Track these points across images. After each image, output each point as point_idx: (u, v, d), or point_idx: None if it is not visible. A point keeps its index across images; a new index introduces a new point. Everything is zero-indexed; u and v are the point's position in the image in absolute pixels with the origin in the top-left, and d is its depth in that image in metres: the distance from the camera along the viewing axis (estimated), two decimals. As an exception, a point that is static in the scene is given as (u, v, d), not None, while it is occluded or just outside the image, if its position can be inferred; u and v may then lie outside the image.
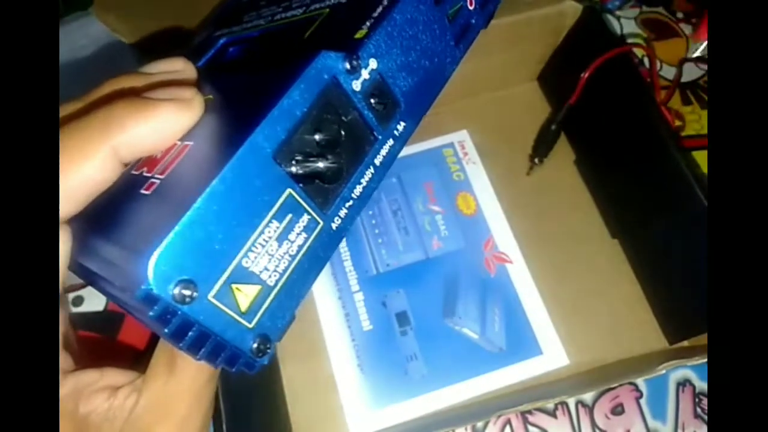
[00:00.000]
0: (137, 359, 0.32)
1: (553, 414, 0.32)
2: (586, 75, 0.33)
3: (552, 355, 0.31)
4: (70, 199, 0.16)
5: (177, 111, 0.17)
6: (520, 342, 0.31)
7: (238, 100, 0.18)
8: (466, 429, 0.32)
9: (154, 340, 0.33)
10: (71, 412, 0.19)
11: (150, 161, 0.17)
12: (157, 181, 0.16)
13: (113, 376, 0.21)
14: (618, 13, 0.45)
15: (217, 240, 0.14)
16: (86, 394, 0.20)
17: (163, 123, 0.16)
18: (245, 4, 0.29)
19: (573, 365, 0.31)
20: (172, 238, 0.13)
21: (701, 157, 0.31)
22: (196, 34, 0.34)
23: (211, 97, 0.18)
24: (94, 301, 0.35)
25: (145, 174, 0.17)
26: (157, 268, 0.13)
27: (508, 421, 0.32)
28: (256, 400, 0.31)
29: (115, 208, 0.16)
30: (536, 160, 0.36)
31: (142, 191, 0.16)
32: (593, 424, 0.32)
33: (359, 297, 0.33)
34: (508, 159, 0.37)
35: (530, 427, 0.32)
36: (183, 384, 0.21)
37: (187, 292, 0.14)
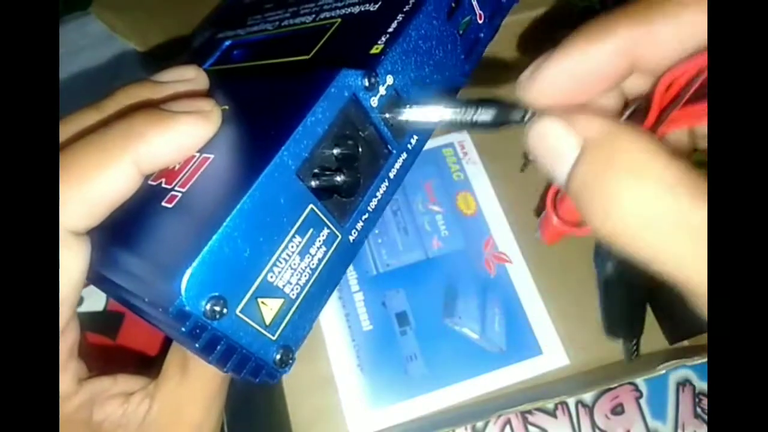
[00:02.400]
0: (138, 359, 0.32)
1: (553, 414, 0.32)
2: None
3: (552, 355, 0.31)
4: (91, 211, 0.16)
5: (197, 123, 0.17)
6: (520, 342, 0.31)
7: (256, 113, 0.18)
8: (466, 429, 0.32)
9: (152, 343, 0.33)
10: (86, 420, 0.19)
11: (168, 172, 0.18)
12: (179, 194, 0.16)
13: (126, 382, 0.21)
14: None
15: (244, 256, 0.15)
16: (100, 401, 0.20)
17: (183, 135, 0.17)
18: (248, 6, 0.29)
19: (573, 365, 0.31)
20: (203, 256, 0.14)
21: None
22: (196, 33, 0.34)
23: (226, 107, 0.18)
24: (93, 301, 0.35)
25: (164, 185, 0.17)
26: (190, 285, 0.14)
27: (508, 421, 0.32)
28: (256, 400, 0.31)
29: (136, 220, 0.16)
30: (531, 157, 0.36)
31: (164, 204, 0.16)
32: (593, 424, 0.32)
33: (359, 297, 0.33)
34: (508, 159, 0.37)
35: (530, 427, 0.32)
36: (196, 389, 0.21)
37: (217, 308, 0.14)
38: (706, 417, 0.31)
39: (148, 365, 0.23)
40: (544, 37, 0.38)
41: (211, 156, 0.17)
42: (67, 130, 0.17)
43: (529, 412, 0.32)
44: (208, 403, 0.21)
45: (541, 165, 0.15)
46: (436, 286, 0.33)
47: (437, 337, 0.31)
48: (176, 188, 0.17)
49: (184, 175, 0.17)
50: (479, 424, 0.32)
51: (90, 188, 0.16)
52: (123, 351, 0.33)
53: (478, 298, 0.32)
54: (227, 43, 0.27)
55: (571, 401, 0.32)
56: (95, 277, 0.17)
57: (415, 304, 0.32)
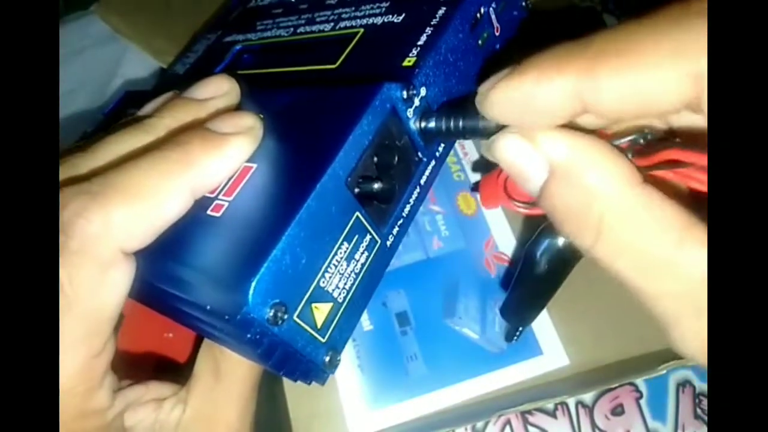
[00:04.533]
0: (143, 360, 0.32)
1: (553, 414, 0.32)
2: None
3: (552, 355, 0.31)
4: (146, 234, 0.16)
5: (247, 143, 0.17)
6: (520, 342, 0.31)
7: (296, 123, 0.19)
8: (466, 429, 0.32)
9: (154, 343, 0.33)
10: (118, 429, 0.19)
11: None
12: (225, 203, 0.17)
13: (157, 389, 0.21)
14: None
15: (301, 263, 0.15)
16: (132, 408, 0.20)
17: (236, 157, 0.17)
18: (255, 10, 0.29)
19: (573, 365, 0.31)
20: (267, 265, 0.14)
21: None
22: (198, 35, 0.34)
23: (261, 116, 0.19)
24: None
25: (206, 194, 0.18)
26: (255, 294, 0.14)
27: (508, 421, 0.32)
28: (256, 400, 0.31)
29: (185, 229, 0.17)
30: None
31: (210, 212, 0.17)
32: (593, 425, 0.32)
33: (359, 297, 0.33)
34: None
35: (530, 427, 0.32)
36: (231, 392, 0.21)
37: (279, 315, 0.15)
38: (706, 417, 0.31)
39: (152, 365, 0.23)
40: (546, 37, 0.38)
41: (254, 165, 0.17)
42: (114, 150, 0.18)
43: (529, 412, 0.32)
44: (243, 405, 0.21)
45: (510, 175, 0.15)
46: (437, 286, 0.33)
47: (437, 337, 0.31)
48: (221, 197, 0.17)
49: (227, 183, 0.17)
50: (479, 424, 0.32)
51: (148, 213, 0.16)
52: (126, 351, 0.33)
53: (479, 298, 0.32)
54: (237, 47, 0.27)
55: (571, 401, 0.32)
56: (138, 289, 0.17)
57: (415, 304, 0.32)
